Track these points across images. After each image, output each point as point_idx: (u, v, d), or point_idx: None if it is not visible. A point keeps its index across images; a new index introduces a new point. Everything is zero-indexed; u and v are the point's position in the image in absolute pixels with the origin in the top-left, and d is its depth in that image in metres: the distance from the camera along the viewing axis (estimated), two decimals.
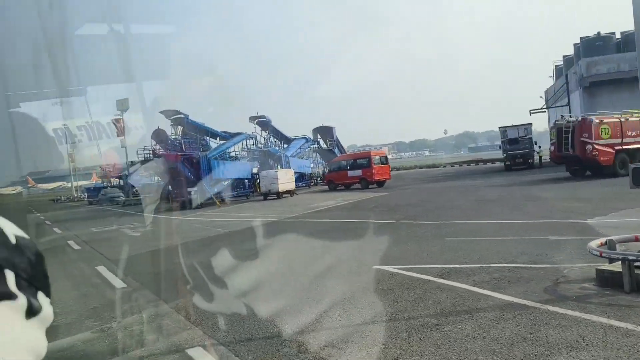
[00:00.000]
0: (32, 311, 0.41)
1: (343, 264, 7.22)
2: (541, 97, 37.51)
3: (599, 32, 27.82)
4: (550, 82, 38.27)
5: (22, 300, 0.40)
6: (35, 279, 0.43)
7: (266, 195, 22.19)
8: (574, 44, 29.86)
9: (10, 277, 0.40)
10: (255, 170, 25.71)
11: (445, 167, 44.01)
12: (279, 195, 21.91)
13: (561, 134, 18.44)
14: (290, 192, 22.64)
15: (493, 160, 40.10)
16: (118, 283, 7.15)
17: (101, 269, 8.43)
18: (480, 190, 17.16)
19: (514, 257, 6.86)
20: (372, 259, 7.39)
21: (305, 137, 31.00)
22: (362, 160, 23.92)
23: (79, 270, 8.67)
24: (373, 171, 23.12)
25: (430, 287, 5.75)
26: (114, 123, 25.86)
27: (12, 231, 0.43)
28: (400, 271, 6.64)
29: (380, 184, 23.50)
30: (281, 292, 6.10)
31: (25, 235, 0.45)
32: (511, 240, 8.01)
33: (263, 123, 28.20)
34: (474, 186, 19.22)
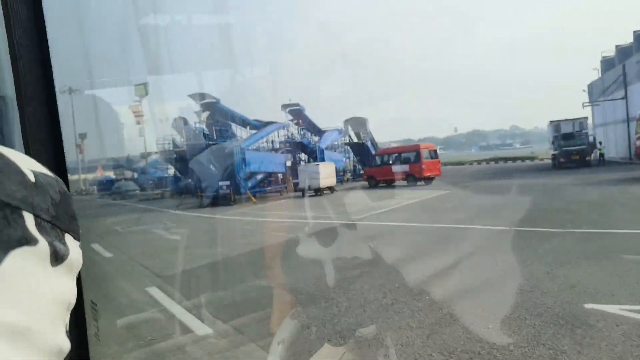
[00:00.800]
0: (57, 256, 0.36)
1: (535, 298, 4.89)
2: (584, 90, 34.92)
3: None
4: (592, 76, 35.77)
5: (43, 244, 0.35)
6: (59, 221, 0.38)
7: (304, 192, 19.81)
8: (634, 32, 27.30)
9: (29, 219, 0.35)
10: (288, 164, 23.35)
11: (471, 164, 42.03)
12: (318, 191, 19.53)
13: None
14: (330, 189, 20.24)
15: (523, 158, 39.42)
16: (193, 323, 4.79)
17: (154, 292, 6.09)
18: (562, 190, 14.74)
19: None
20: (563, 291, 5.07)
21: (339, 129, 28.58)
22: (409, 154, 21.52)
23: (123, 293, 6.26)
24: (422, 166, 20.72)
25: None
26: (131, 110, 23.65)
27: (31, 167, 0.38)
28: None
29: (428, 180, 21.12)
30: None
31: (48, 172, 0.40)
32: None
33: (296, 112, 25.80)
34: (546, 185, 16.86)
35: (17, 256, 0.33)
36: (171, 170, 27.45)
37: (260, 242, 9.28)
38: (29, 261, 0.33)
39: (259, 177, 20.97)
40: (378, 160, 23.25)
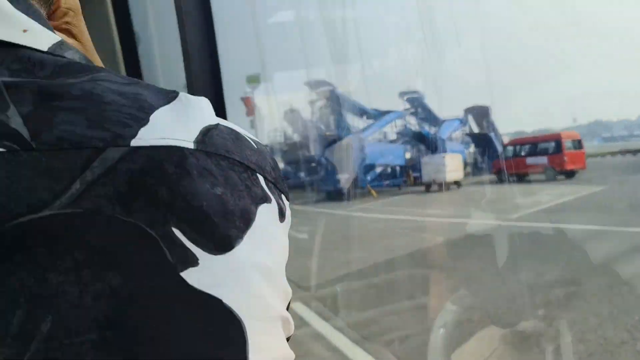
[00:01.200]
0: (282, 213, 0.41)
1: None
2: None
3: None
4: None
5: (274, 202, 0.40)
6: (277, 182, 0.42)
7: (428, 187, 18.07)
8: None
9: (262, 180, 0.39)
10: (407, 156, 21.76)
11: (604, 156, 37.63)
12: (442, 186, 17.69)
13: None
14: (457, 183, 18.30)
15: None
16: None
17: (300, 308, 4.87)
18: None
19: None
20: None
21: (459, 119, 26.40)
22: (548, 145, 18.87)
23: None
24: (565, 158, 18.04)
25: None
26: (243, 101, 23.39)
27: (249, 136, 0.42)
28: None
29: (570, 174, 18.43)
30: None
31: (259, 140, 0.43)
32: None
33: (415, 100, 24.08)
34: None
35: (262, 211, 0.37)
36: (281, 164, 27.08)
37: (406, 245, 7.81)
38: (268, 216, 0.38)
39: (378, 169, 19.59)
40: (510, 151, 20.91)
